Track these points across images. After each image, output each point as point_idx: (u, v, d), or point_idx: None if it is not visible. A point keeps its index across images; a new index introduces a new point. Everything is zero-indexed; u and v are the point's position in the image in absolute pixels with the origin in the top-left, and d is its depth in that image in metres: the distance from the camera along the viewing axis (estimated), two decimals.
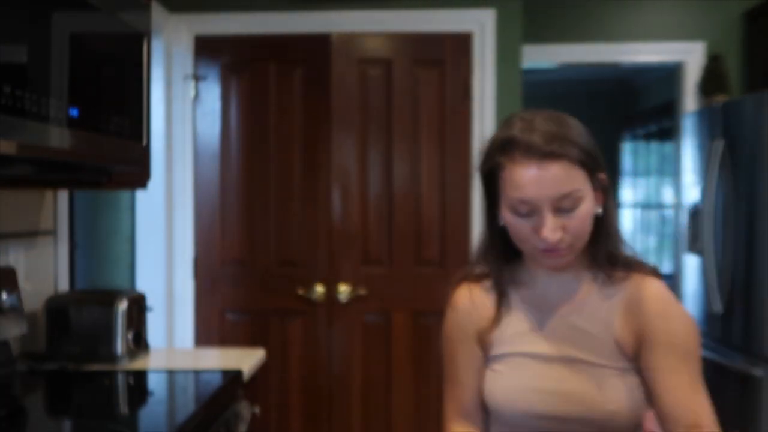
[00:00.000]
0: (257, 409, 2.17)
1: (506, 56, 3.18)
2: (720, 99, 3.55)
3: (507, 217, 1.25)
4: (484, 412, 1.36)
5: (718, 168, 3.27)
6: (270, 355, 3.06)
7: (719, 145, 3.25)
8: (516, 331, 1.32)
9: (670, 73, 4.07)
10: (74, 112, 1.52)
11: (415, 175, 3.22)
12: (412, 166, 3.22)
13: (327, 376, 3.22)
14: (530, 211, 1.20)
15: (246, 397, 2.09)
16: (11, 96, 1.29)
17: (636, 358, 1.26)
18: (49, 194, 2.28)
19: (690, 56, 3.75)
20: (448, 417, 1.41)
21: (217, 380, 1.97)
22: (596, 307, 1.29)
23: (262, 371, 2.39)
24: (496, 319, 1.33)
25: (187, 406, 1.78)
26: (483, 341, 1.34)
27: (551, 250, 1.22)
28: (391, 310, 3.21)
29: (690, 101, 3.78)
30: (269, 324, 3.25)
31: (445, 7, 3.19)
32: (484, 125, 3.16)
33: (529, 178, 1.19)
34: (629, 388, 1.25)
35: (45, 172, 1.81)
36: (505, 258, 1.34)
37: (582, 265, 1.31)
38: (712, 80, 3.63)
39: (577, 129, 1.23)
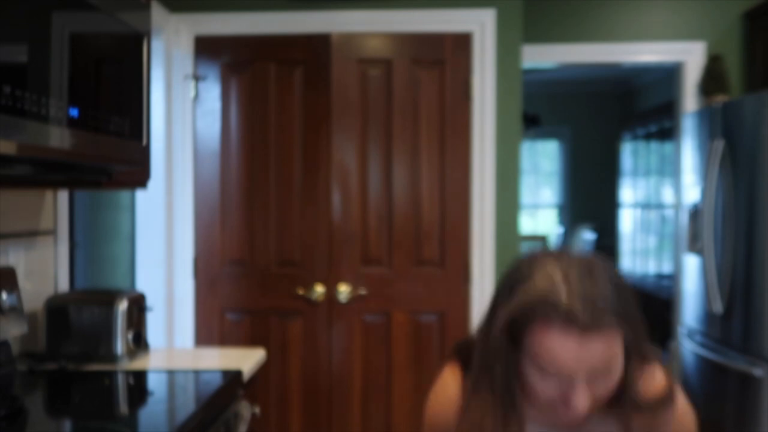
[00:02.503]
0: (257, 409, 2.17)
1: (506, 56, 3.18)
2: (720, 99, 3.55)
3: (529, 374, 1.13)
4: None
5: (718, 168, 3.27)
6: (270, 355, 3.07)
7: (719, 145, 3.26)
8: None
9: (670, 73, 4.07)
10: (74, 112, 1.52)
11: (415, 175, 3.22)
12: (412, 166, 3.22)
13: (327, 376, 3.22)
14: (560, 378, 1.10)
15: (246, 397, 2.09)
16: (11, 96, 1.29)
17: None
18: (49, 194, 2.28)
19: (690, 56, 3.76)
20: None
21: (217, 380, 1.97)
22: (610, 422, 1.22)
23: (262, 371, 2.39)
24: None
25: (187, 406, 1.78)
26: None
27: (571, 416, 1.11)
28: (391, 310, 3.21)
29: (690, 101, 3.78)
30: (269, 324, 3.25)
31: (445, 7, 3.19)
32: (484, 125, 3.16)
33: (569, 353, 1.07)
34: None
35: (45, 172, 1.81)
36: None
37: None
38: (712, 80, 3.63)
39: (621, 293, 1.12)
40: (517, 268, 1.17)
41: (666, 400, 1.21)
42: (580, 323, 1.06)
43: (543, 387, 1.11)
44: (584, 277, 1.10)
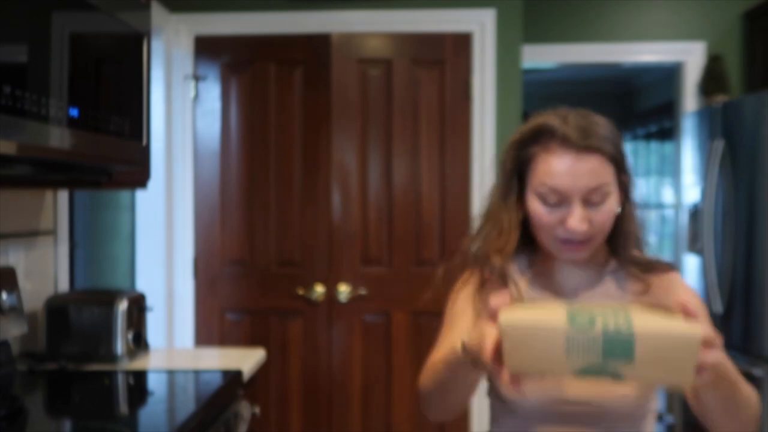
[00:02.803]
0: (257, 409, 2.17)
1: (506, 56, 3.18)
2: (720, 99, 3.55)
3: (533, 205, 1.26)
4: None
5: (718, 168, 3.27)
6: (270, 355, 3.06)
7: (719, 145, 3.26)
8: None
9: (670, 73, 4.07)
10: (74, 112, 1.52)
11: (415, 175, 3.22)
12: (412, 166, 3.22)
13: (327, 376, 3.22)
14: (559, 201, 1.23)
15: (246, 397, 2.09)
16: (11, 96, 1.29)
17: None
18: (49, 194, 2.28)
19: (690, 56, 3.76)
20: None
21: (217, 380, 1.97)
22: (616, 296, 1.31)
23: (262, 371, 2.39)
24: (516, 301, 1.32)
25: (187, 406, 1.78)
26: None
27: (571, 241, 1.24)
28: (391, 310, 3.21)
29: (690, 101, 3.78)
30: (269, 324, 3.25)
31: (445, 7, 3.19)
32: (484, 125, 3.16)
33: (565, 169, 1.22)
34: None
35: (45, 172, 1.81)
36: (521, 247, 1.34)
37: (600, 260, 1.33)
38: (712, 80, 3.63)
39: (607, 127, 1.26)
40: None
41: (661, 263, 1.34)
42: (574, 144, 1.22)
43: (546, 214, 1.24)
44: (582, 117, 1.26)
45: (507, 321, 1.03)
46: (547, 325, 1.02)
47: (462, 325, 1.32)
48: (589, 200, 1.22)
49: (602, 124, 1.25)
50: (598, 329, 1.00)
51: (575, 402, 1.25)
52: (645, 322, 1.01)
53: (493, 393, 1.37)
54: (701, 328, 1.00)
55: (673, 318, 1.04)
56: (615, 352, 1.00)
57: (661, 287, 1.31)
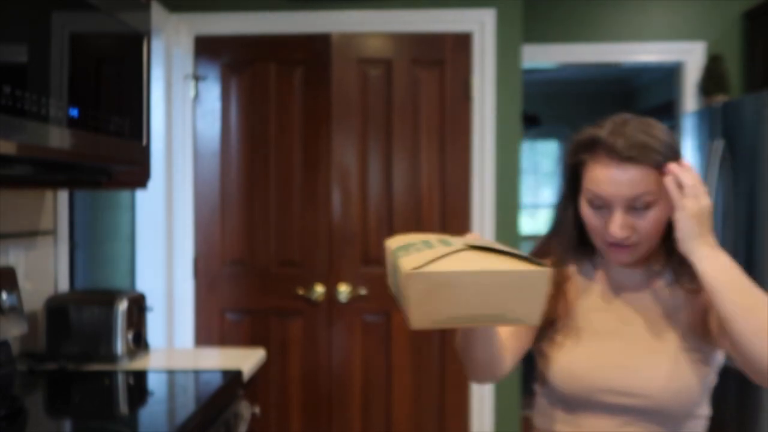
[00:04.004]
0: (257, 409, 2.17)
1: (506, 56, 3.18)
2: (720, 99, 3.55)
3: (584, 208, 1.34)
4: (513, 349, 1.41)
5: (718, 168, 3.27)
6: (270, 355, 3.07)
7: (719, 145, 3.26)
8: (587, 307, 1.40)
9: (670, 73, 4.07)
10: (74, 112, 1.52)
11: (415, 175, 3.22)
12: (412, 166, 3.22)
13: (327, 376, 3.22)
14: (604, 206, 1.30)
15: (246, 397, 2.09)
16: (11, 96, 1.29)
17: (709, 333, 1.32)
18: (49, 194, 2.28)
19: (690, 56, 3.76)
20: None
21: (217, 380, 1.97)
22: (666, 295, 1.37)
23: (262, 371, 2.39)
24: (577, 290, 1.42)
25: (187, 406, 1.78)
26: (556, 309, 1.40)
27: (617, 245, 1.31)
28: (391, 310, 3.21)
29: (690, 101, 3.78)
30: (269, 324, 3.25)
31: (445, 7, 3.19)
32: (484, 125, 3.16)
33: (607, 178, 1.28)
34: (692, 367, 1.31)
35: (45, 172, 1.81)
36: (577, 244, 1.42)
37: (656, 263, 1.39)
38: (712, 80, 3.63)
39: (664, 138, 1.29)
40: None
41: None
42: (617, 155, 1.27)
43: (594, 217, 1.32)
44: (638, 127, 1.30)
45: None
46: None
47: None
48: (633, 207, 1.28)
49: (656, 135, 1.29)
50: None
51: (618, 392, 1.30)
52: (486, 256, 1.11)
53: (541, 381, 1.43)
54: (546, 269, 1.09)
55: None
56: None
57: None
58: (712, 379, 1.35)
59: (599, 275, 1.43)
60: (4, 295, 1.88)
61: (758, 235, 2.97)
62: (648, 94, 6.67)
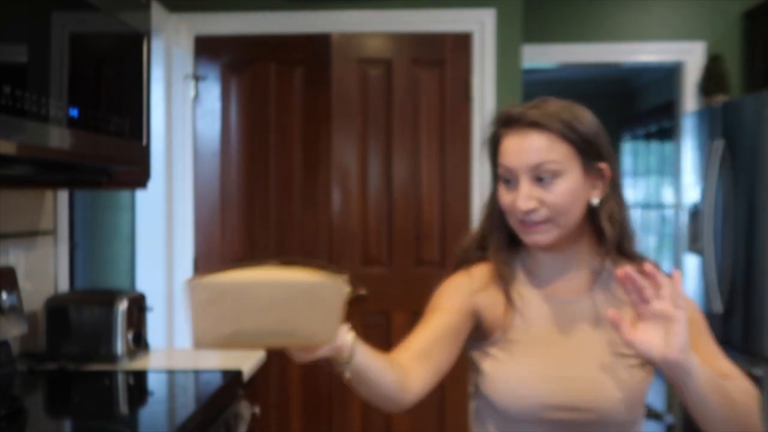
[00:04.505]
0: (257, 409, 2.17)
1: (506, 56, 3.18)
2: (720, 99, 3.55)
3: (499, 190, 1.28)
4: (436, 358, 1.34)
5: (718, 168, 3.27)
6: (270, 355, 3.06)
7: (719, 145, 3.26)
8: (521, 316, 1.30)
9: (670, 73, 4.07)
10: (74, 112, 1.52)
11: (415, 175, 3.22)
12: (412, 166, 3.22)
13: (327, 376, 3.22)
14: (513, 179, 1.24)
15: (246, 397, 2.08)
16: (11, 96, 1.29)
17: None
18: (49, 194, 2.28)
19: (690, 56, 3.76)
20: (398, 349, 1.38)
21: (217, 380, 1.97)
22: (602, 298, 1.29)
23: (262, 371, 2.39)
24: (509, 302, 1.31)
25: (187, 406, 1.78)
26: (487, 324, 1.31)
27: (528, 223, 1.24)
28: (391, 310, 3.21)
29: (690, 101, 3.78)
30: None
31: (445, 7, 3.19)
32: (484, 125, 3.16)
33: (512, 146, 1.24)
34: (631, 372, 1.24)
35: (45, 172, 1.81)
36: (509, 243, 1.33)
37: (585, 255, 1.30)
38: (712, 80, 3.63)
39: (581, 116, 1.25)
40: None
41: (646, 260, 1.27)
42: (524, 122, 1.23)
43: (505, 196, 1.26)
44: (558, 104, 1.26)
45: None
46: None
47: (444, 316, 1.38)
48: (538, 177, 1.22)
49: (574, 114, 1.24)
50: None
51: (562, 407, 1.23)
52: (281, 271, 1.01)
53: (479, 394, 1.35)
54: (337, 280, 0.99)
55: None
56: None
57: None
58: (650, 381, 1.28)
59: (530, 279, 1.33)
60: (4, 295, 1.88)
61: (758, 235, 2.97)
62: (648, 94, 6.67)
